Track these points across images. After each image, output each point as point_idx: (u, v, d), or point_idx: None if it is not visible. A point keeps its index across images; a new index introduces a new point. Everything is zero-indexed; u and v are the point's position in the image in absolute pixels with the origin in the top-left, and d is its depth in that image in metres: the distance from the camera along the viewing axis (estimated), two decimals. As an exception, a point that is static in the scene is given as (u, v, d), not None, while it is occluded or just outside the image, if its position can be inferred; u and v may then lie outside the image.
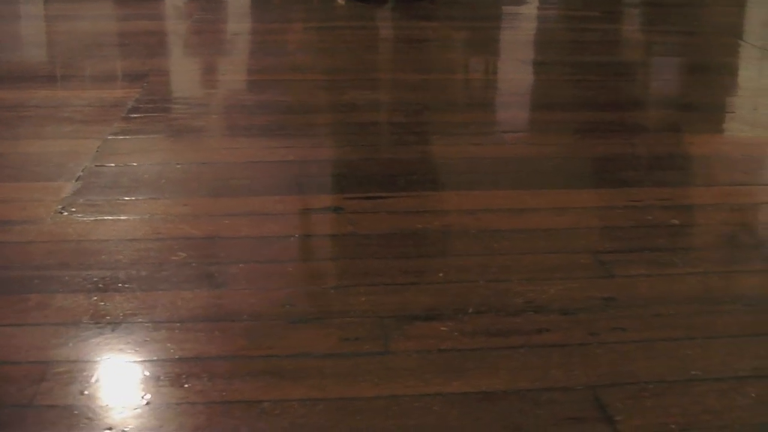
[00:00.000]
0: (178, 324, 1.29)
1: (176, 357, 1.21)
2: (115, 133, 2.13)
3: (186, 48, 3.28)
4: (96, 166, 1.91)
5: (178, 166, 1.92)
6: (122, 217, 1.65)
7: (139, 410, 1.10)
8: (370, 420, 1.09)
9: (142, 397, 1.12)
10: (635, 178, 1.93)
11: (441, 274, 1.46)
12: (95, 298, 1.36)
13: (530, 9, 4.44)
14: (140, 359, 1.21)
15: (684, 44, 3.61)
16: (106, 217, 1.65)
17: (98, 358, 1.20)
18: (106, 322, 1.29)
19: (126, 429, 1.06)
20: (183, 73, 2.89)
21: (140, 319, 1.30)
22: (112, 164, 1.92)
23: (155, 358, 1.21)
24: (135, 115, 2.28)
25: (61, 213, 1.67)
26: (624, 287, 1.43)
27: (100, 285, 1.40)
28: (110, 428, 1.06)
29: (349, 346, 1.24)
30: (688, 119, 2.43)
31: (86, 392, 1.13)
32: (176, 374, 1.17)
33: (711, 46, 3.56)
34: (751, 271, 1.53)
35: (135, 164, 1.92)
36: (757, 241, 1.66)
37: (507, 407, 1.12)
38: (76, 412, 1.09)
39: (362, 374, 1.18)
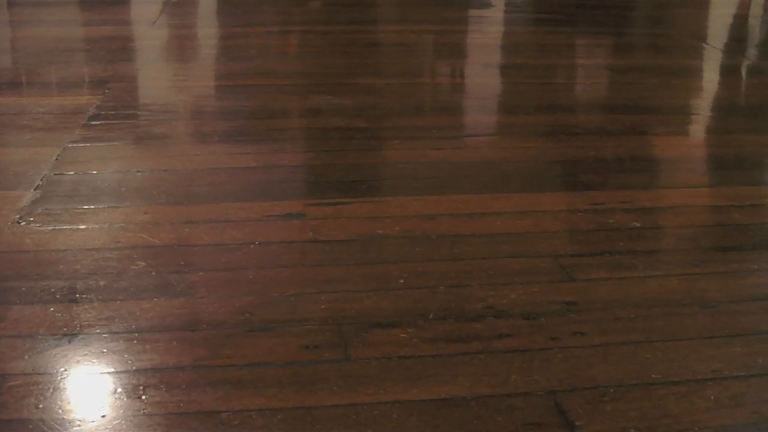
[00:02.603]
0: (136, 334, 1.28)
1: (134, 368, 1.20)
2: (76, 141, 2.11)
3: (149, 53, 3.26)
4: (55, 174, 1.89)
5: (139, 174, 1.91)
6: (81, 227, 1.64)
7: (95, 423, 1.09)
8: (329, 429, 1.08)
9: (99, 410, 1.11)
10: (597, 182, 1.93)
11: (401, 281, 1.45)
12: (52, 309, 1.34)
13: (496, 12, 4.44)
14: (97, 371, 1.19)
15: (647, 47, 3.63)
16: (64, 227, 1.63)
17: (54, 371, 1.19)
18: (62, 333, 1.28)
19: (81, 442, 1.05)
20: (146, 79, 2.87)
21: (98, 330, 1.29)
22: (72, 172, 1.90)
23: (113, 369, 1.20)
24: (96, 122, 2.26)
25: (19, 223, 1.65)
26: (585, 291, 1.44)
27: (58, 296, 1.38)
28: (65, 442, 1.05)
29: (308, 354, 1.24)
30: (650, 122, 2.44)
31: (41, 405, 1.11)
32: (134, 386, 1.16)
33: (674, 48, 3.58)
34: (712, 273, 1.54)
35: (95, 172, 1.91)
36: (717, 244, 1.66)
37: (466, 414, 1.11)
38: (31, 426, 1.08)
39: (321, 382, 1.17)
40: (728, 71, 3.25)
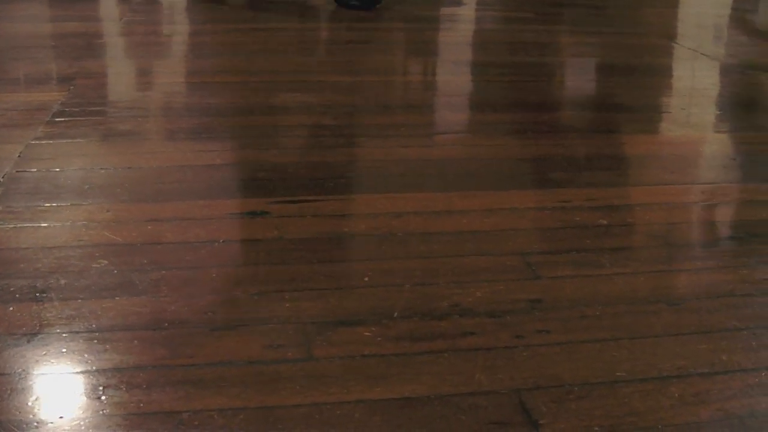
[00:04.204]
0: (97, 334, 1.26)
1: (94, 368, 1.18)
2: (39, 138, 2.08)
3: (115, 50, 3.23)
4: (17, 171, 1.86)
5: (103, 171, 1.88)
6: (43, 224, 1.61)
7: (54, 424, 1.07)
8: (291, 429, 1.07)
9: (57, 411, 1.09)
10: (565, 179, 1.93)
11: (366, 279, 1.44)
12: (11, 308, 1.32)
13: (467, 10, 4.44)
14: (56, 371, 1.17)
15: (617, 46, 3.63)
16: (26, 225, 1.61)
17: (12, 372, 1.17)
18: (21, 333, 1.25)
19: (38, 444, 1.04)
20: (111, 75, 2.84)
21: (58, 330, 1.27)
22: (34, 170, 1.88)
23: (72, 370, 1.18)
24: (60, 119, 2.24)
25: (-20, 221, 1.62)
26: (551, 289, 1.43)
27: (17, 295, 1.36)
28: (21, 443, 1.03)
29: (271, 354, 1.22)
30: (619, 120, 2.44)
31: (-2, 406, 1.10)
32: (93, 386, 1.14)
33: (644, 47, 3.59)
34: (678, 270, 1.54)
35: (58, 170, 1.88)
36: (684, 241, 1.66)
37: (430, 413, 1.10)
38: (-14, 427, 1.06)
39: (284, 382, 1.16)
40: (697, 69, 3.26)
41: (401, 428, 1.07)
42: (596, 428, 1.08)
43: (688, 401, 1.14)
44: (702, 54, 3.48)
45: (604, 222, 1.70)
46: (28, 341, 1.24)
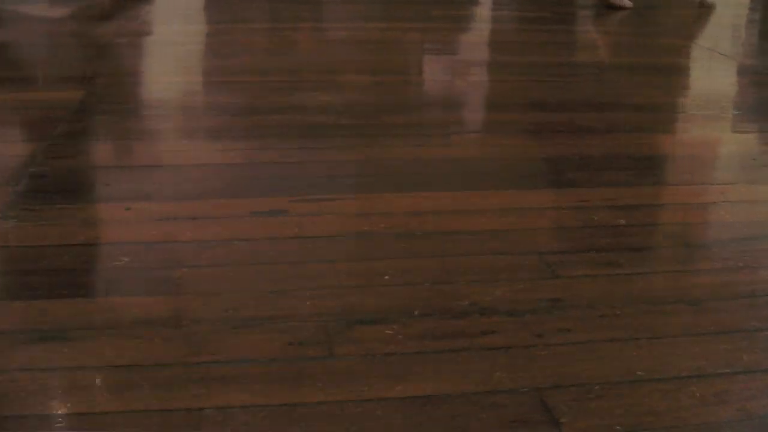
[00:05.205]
0: (118, 330, 1.27)
1: (116, 364, 1.19)
2: (59, 136, 2.10)
3: (135, 50, 3.24)
4: (38, 169, 1.87)
5: (122, 170, 1.89)
6: (64, 222, 1.62)
7: (77, 419, 1.08)
8: (313, 426, 1.08)
9: (80, 406, 1.10)
10: (583, 179, 1.93)
11: (386, 277, 1.45)
12: (35, 305, 1.33)
13: (483, 10, 4.44)
14: (79, 367, 1.18)
15: (634, 45, 3.63)
16: (46, 222, 1.62)
17: (35, 368, 1.18)
18: (44, 329, 1.27)
19: (63, 439, 1.05)
20: (131, 75, 2.86)
21: (81, 326, 1.28)
22: (55, 167, 1.89)
23: (95, 365, 1.19)
24: (80, 118, 2.25)
25: (2, 218, 1.63)
26: (570, 288, 1.43)
27: (40, 291, 1.37)
28: (46, 439, 1.04)
29: (293, 351, 1.23)
30: (637, 120, 2.44)
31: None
32: (116, 382, 1.15)
33: (661, 47, 3.58)
34: (696, 270, 1.54)
35: (78, 168, 1.89)
36: (702, 241, 1.66)
37: (451, 411, 1.11)
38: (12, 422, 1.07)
39: (306, 379, 1.17)
40: (713, 70, 3.25)
41: (423, 426, 1.08)
42: (617, 427, 1.09)
43: (708, 401, 1.14)
44: (720, 54, 3.48)
45: (623, 222, 1.70)
46: (53, 337, 1.25)
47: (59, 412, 1.09)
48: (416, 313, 1.34)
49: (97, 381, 1.15)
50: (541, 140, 2.21)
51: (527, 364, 1.21)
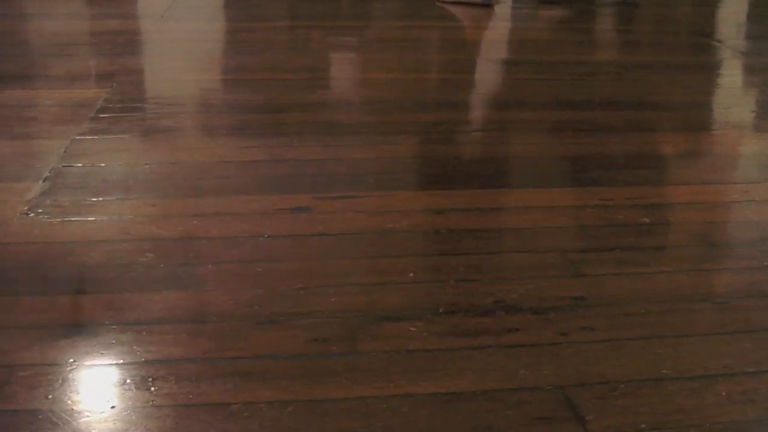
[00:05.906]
0: (145, 326, 1.28)
1: (143, 360, 1.20)
2: (83, 134, 2.11)
3: (156, 47, 3.25)
4: (63, 166, 1.89)
5: (147, 167, 1.90)
6: (90, 219, 1.63)
7: (104, 414, 1.08)
8: (338, 422, 1.08)
9: (108, 401, 1.11)
10: (606, 177, 1.93)
11: (411, 274, 1.45)
12: (61, 301, 1.34)
13: (503, 8, 4.43)
14: (106, 362, 1.19)
15: (656, 44, 3.62)
16: (73, 219, 1.63)
17: (64, 362, 1.19)
18: (72, 324, 1.27)
19: (91, 433, 1.05)
20: (152, 72, 2.87)
21: (107, 322, 1.28)
22: (80, 165, 1.90)
23: (121, 360, 1.19)
24: (104, 115, 2.26)
25: (28, 214, 1.65)
26: (594, 286, 1.43)
27: (66, 287, 1.38)
28: (74, 432, 1.05)
29: (317, 347, 1.23)
30: (659, 118, 2.43)
31: (50, 396, 1.11)
32: (142, 377, 1.16)
33: (682, 45, 3.57)
34: (721, 269, 1.53)
35: (103, 165, 1.90)
36: (726, 240, 1.66)
37: (476, 408, 1.11)
38: (40, 416, 1.07)
39: (330, 375, 1.17)
40: (735, 68, 3.24)
41: (448, 423, 1.08)
42: (643, 425, 1.09)
43: (735, 399, 1.14)
44: (740, 52, 3.46)
45: (646, 220, 1.70)
46: (79, 333, 1.25)
47: (84, 408, 1.10)
48: (440, 310, 1.34)
49: (124, 377, 1.16)
50: (562, 138, 2.20)
51: (552, 362, 1.21)
